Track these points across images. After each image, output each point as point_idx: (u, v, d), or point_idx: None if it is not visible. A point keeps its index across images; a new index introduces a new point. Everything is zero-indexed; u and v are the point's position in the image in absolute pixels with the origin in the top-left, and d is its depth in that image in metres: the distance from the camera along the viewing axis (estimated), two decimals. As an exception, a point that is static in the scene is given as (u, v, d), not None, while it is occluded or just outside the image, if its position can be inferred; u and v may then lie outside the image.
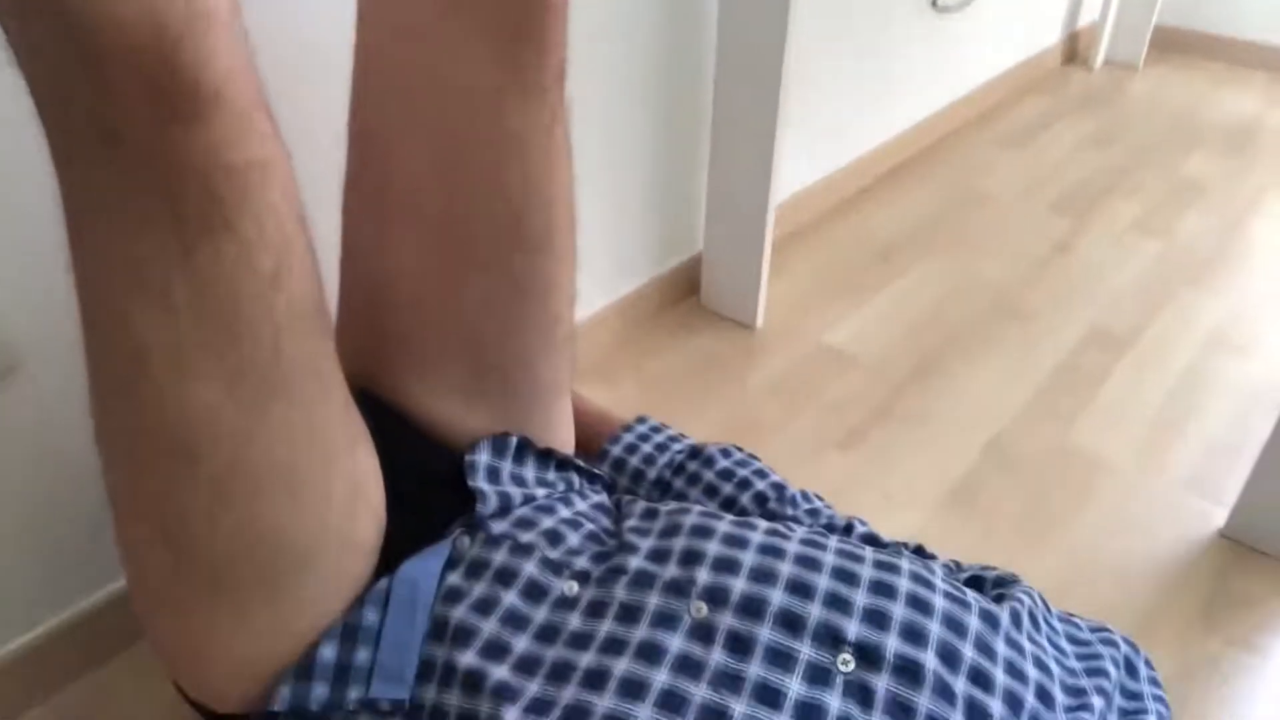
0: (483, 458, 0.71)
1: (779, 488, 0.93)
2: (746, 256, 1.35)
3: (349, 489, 0.60)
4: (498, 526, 0.67)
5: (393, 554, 0.65)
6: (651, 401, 1.24)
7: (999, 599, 0.69)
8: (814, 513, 0.90)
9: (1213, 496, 1.10)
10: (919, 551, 0.83)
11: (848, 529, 0.84)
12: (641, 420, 1.03)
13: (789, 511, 0.87)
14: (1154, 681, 0.73)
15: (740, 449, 0.98)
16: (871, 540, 0.81)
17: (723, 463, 0.95)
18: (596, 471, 0.82)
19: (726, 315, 1.41)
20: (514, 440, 0.73)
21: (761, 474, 0.95)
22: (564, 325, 0.74)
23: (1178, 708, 0.88)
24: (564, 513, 0.72)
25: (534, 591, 0.63)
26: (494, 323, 0.70)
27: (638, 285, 1.36)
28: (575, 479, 0.79)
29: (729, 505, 0.89)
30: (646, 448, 1.00)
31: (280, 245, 0.51)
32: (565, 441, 0.81)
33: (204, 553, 0.55)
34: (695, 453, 0.97)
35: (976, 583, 0.76)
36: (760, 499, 0.92)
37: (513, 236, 0.68)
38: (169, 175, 0.46)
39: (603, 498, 0.78)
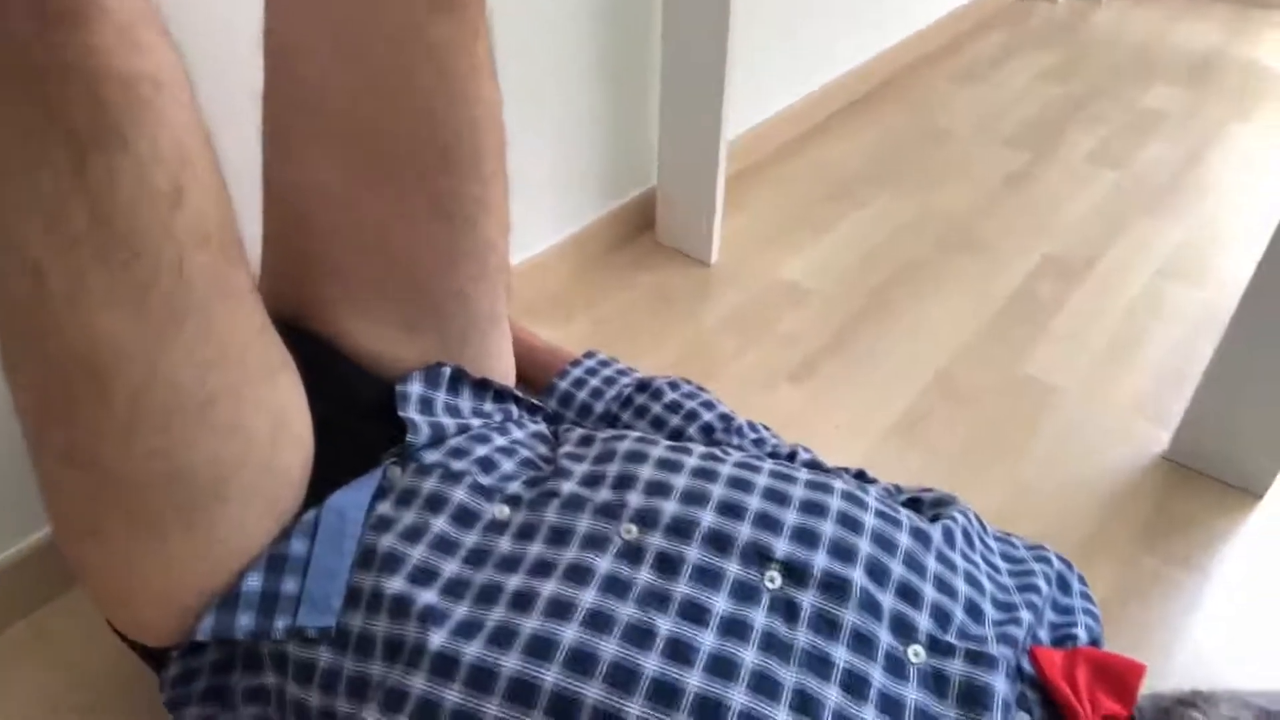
0: (415, 388, 0.70)
1: (726, 419, 0.93)
2: (700, 192, 1.33)
3: (270, 418, 0.59)
4: (430, 456, 0.67)
5: (324, 486, 0.64)
6: (605, 337, 1.23)
7: (935, 519, 0.70)
8: (760, 442, 0.90)
9: (1158, 421, 1.12)
10: (860, 476, 0.83)
11: (791, 456, 0.84)
12: (590, 355, 1.03)
13: (735, 442, 0.87)
14: (1086, 596, 0.74)
15: (689, 381, 0.98)
16: (813, 466, 0.82)
17: (670, 395, 0.95)
18: (537, 403, 0.82)
19: (682, 251, 1.40)
20: (448, 370, 0.72)
21: (709, 405, 0.95)
22: (497, 253, 0.73)
23: (1118, 625, 0.90)
24: (499, 441, 0.71)
25: (464, 517, 0.63)
26: (421, 250, 0.69)
27: (591, 220, 1.34)
28: (514, 409, 0.78)
29: (676, 437, 0.89)
30: (594, 382, 0.99)
31: (178, 162, 0.49)
32: (504, 372, 0.80)
33: (118, 480, 0.54)
34: (643, 386, 0.96)
35: (915, 504, 0.76)
36: (707, 430, 0.92)
37: (436, 158, 0.66)
38: (53, 82, 0.44)
39: (541, 427, 0.77)
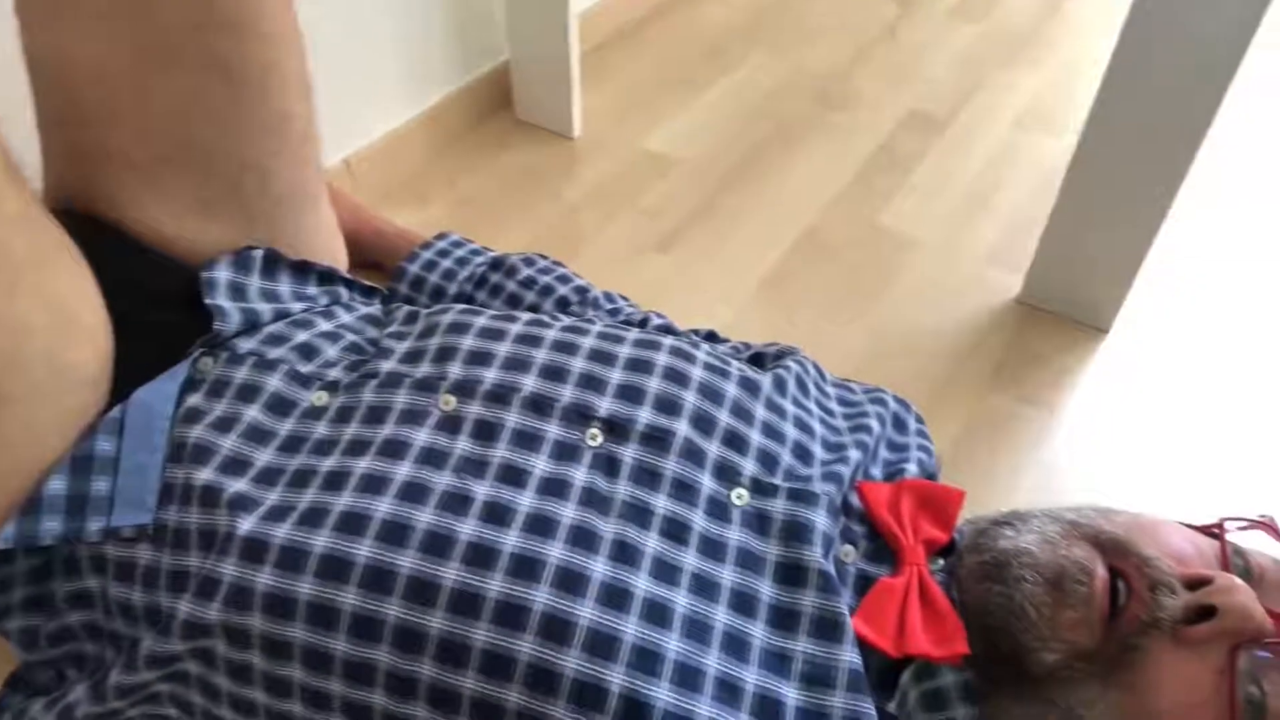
0: (223, 274, 0.67)
1: (582, 291, 0.92)
2: (555, 63, 1.28)
3: (49, 311, 0.55)
4: (245, 344, 0.64)
5: (132, 386, 0.60)
6: (465, 220, 1.19)
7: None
8: (615, 312, 0.89)
9: (1012, 266, 1.14)
10: (710, 338, 0.83)
11: (643, 323, 0.83)
12: (442, 236, 0.99)
13: (589, 314, 0.86)
14: (922, 434, 0.76)
15: (545, 256, 0.95)
16: (666, 331, 0.81)
17: (525, 271, 0.93)
18: (372, 285, 0.79)
19: (543, 126, 1.35)
20: (259, 253, 0.69)
21: (565, 279, 0.93)
22: (298, 122, 0.68)
23: (971, 461, 0.93)
24: (323, 326, 0.69)
25: (279, 405, 0.60)
26: (207, 123, 0.64)
27: (442, 97, 1.28)
28: (342, 292, 0.75)
29: (533, 313, 0.87)
30: (446, 263, 0.96)
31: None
32: (329, 254, 0.77)
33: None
34: (497, 264, 0.94)
35: (759, 359, 0.76)
36: (562, 303, 0.90)
37: (208, 17, 0.61)
38: None
39: (374, 309, 0.74)
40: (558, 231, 1.19)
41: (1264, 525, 0.60)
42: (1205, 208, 1.24)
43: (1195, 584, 0.55)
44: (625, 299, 0.92)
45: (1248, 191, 1.30)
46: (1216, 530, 0.61)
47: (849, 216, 1.22)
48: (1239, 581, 0.54)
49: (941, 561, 0.62)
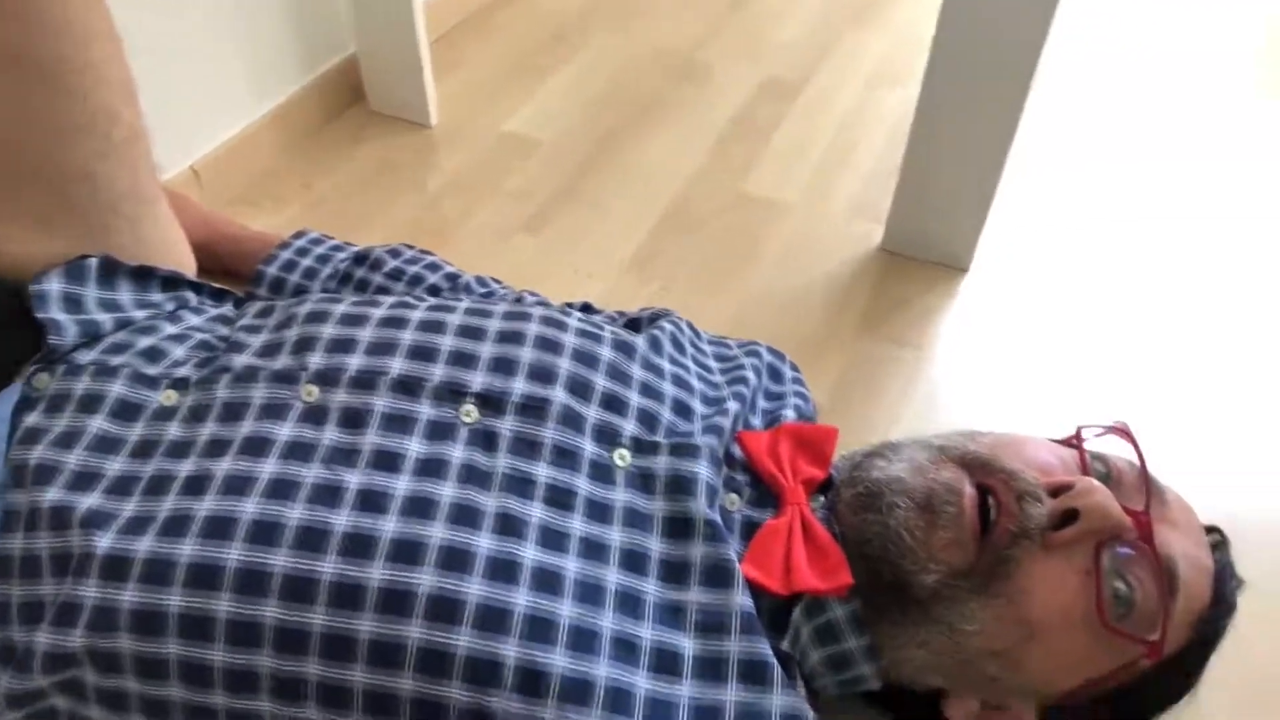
0: (54, 285, 0.63)
1: (453, 278, 0.90)
2: (404, 52, 1.24)
3: None
4: (85, 356, 0.60)
5: (-39, 411, 0.56)
6: (325, 219, 1.15)
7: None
8: (489, 295, 0.88)
9: (873, 218, 1.17)
10: (585, 309, 0.83)
11: (517, 301, 0.82)
12: (300, 234, 0.96)
13: (461, 299, 0.84)
14: (798, 381, 0.78)
15: (411, 246, 0.93)
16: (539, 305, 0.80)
17: (392, 263, 0.90)
18: (221, 288, 0.75)
19: (399, 117, 1.32)
20: (94, 262, 0.65)
21: (434, 267, 0.91)
22: (122, 124, 0.64)
23: (848, 405, 0.96)
24: (170, 330, 0.65)
25: (125, 411, 0.57)
26: (20, 127, 0.60)
27: (290, 94, 1.24)
28: (190, 296, 0.71)
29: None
30: (307, 262, 0.93)
31: None
32: (173, 258, 0.73)
33: None
34: (361, 258, 0.91)
35: (635, 324, 0.76)
36: (433, 292, 0.88)
37: (16, 20, 0.57)
38: None
39: (225, 309, 0.71)
40: (423, 222, 1.16)
41: (1118, 431, 0.64)
42: (1046, 147, 1.31)
43: (1057, 491, 0.58)
44: (498, 282, 0.91)
45: (1085, 128, 1.38)
46: (1075, 441, 0.64)
47: (713, 187, 1.23)
48: (1097, 484, 0.57)
49: (822, 499, 0.63)
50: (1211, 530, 0.65)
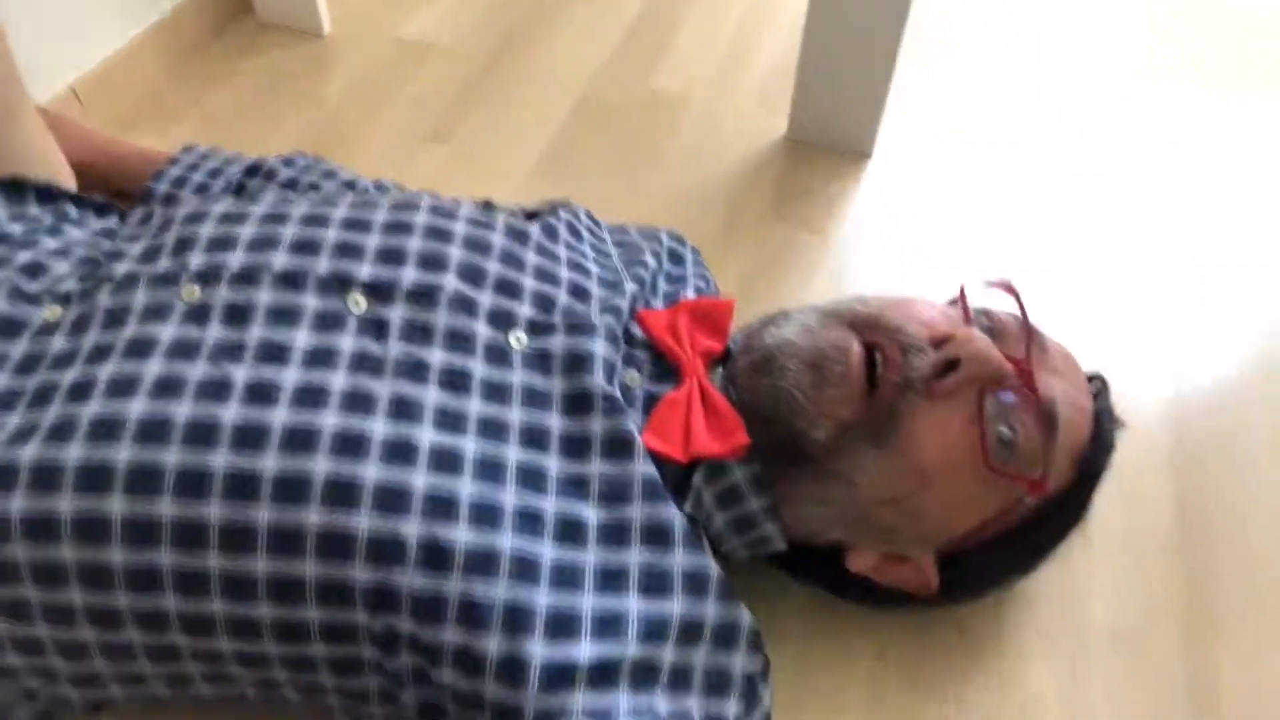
0: (-86, 202, 0.60)
1: (351, 184, 0.88)
2: (287, -46, 1.19)
3: None
4: (-46, 275, 0.58)
5: None
6: (218, 136, 1.11)
7: (547, 221, 0.70)
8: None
9: (776, 109, 1.17)
10: (487, 206, 0.82)
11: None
12: (188, 150, 0.93)
13: (348, 195, 0.82)
14: (699, 264, 0.78)
15: (305, 154, 0.91)
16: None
17: (286, 172, 0.88)
18: (105, 201, 0.73)
19: (289, 27, 1.27)
20: (-45, 176, 0.62)
21: (330, 174, 0.89)
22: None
23: (758, 294, 0.97)
24: (50, 244, 0.63)
25: (7, 328, 0.56)
26: None
27: (173, 7, 1.18)
28: (70, 210, 0.69)
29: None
30: (198, 176, 0.90)
31: None
32: (46, 171, 0.70)
33: None
34: (254, 169, 0.88)
35: (533, 216, 0.76)
36: (330, 200, 0.86)
37: None
38: None
39: (110, 222, 0.69)
40: (322, 134, 1.13)
41: (1001, 285, 0.66)
42: (938, 29, 1.31)
43: (941, 343, 0.60)
44: (397, 185, 0.89)
45: (975, 23, 1.38)
46: (960, 298, 0.66)
47: (619, 84, 1.22)
48: (977, 332, 0.59)
49: (720, 370, 0.64)
50: (1093, 378, 0.68)
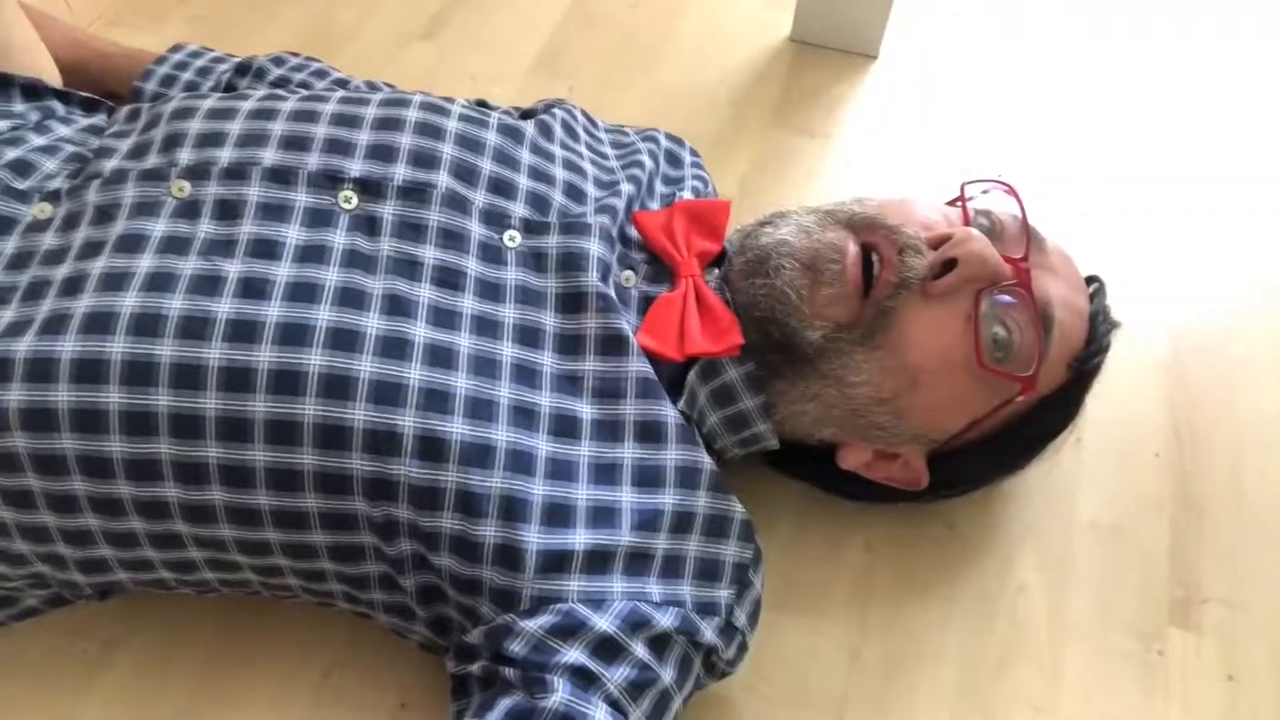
0: (-104, 97, 0.59)
1: (342, 83, 0.86)
2: None
3: None
4: (-59, 173, 0.57)
5: None
6: (206, 36, 1.08)
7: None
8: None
9: (781, 8, 1.14)
10: (481, 104, 0.81)
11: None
12: (177, 48, 0.90)
13: (337, 90, 0.81)
14: (697, 165, 0.77)
15: (295, 54, 0.88)
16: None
17: (276, 71, 0.86)
18: (92, 97, 0.72)
19: (277, -78, 1.22)
20: (-63, 72, 0.61)
21: (321, 74, 0.87)
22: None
23: (758, 197, 0.96)
24: (37, 141, 0.62)
25: (-3, 227, 0.55)
26: None
27: (152, -100, 1.14)
28: (56, 106, 0.68)
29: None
30: (187, 75, 0.88)
31: None
32: (29, 66, 0.69)
33: None
34: (244, 68, 0.86)
35: (529, 115, 0.75)
36: (322, 99, 0.85)
37: None
38: None
39: (98, 119, 0.68)
40: (313, 33, 1.10)
41: (1000, 184, 0.65)
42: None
43: (939, 244, 0.59)
44: (391, 87, 0.88)
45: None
46: (960, 198, 0.65)
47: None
48: (975, 233, 0.59)
49: (716, 271, 0.64)
50: (1091, 279, 0.67)
